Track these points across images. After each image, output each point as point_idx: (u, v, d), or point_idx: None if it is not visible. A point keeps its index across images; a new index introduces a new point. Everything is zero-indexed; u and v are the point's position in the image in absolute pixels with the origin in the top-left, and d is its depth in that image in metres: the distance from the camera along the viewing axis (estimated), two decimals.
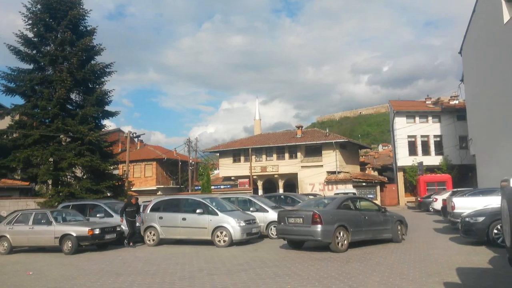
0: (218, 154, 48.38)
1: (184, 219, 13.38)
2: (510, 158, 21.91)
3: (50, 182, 22.06)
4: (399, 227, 12.17)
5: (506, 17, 23.76)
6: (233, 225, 12.58)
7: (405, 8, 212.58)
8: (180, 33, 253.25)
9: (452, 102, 42.44)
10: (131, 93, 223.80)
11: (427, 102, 43.97)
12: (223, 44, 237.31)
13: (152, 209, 14.24)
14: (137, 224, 14.00)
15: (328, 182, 40.05)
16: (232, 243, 12.52)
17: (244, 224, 12.76)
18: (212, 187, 41.41)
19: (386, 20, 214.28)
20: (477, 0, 28.18)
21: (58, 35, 22.32)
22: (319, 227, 10.25)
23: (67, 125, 21.14)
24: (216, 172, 57.82)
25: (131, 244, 13.49)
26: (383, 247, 11.20)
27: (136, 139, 49.44)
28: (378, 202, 36.64)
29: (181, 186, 47.37)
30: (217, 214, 12.97)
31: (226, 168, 45.34)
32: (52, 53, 21.79)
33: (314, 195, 27.05)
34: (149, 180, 46.49)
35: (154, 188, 45.07)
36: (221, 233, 12.68)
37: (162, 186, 45.87)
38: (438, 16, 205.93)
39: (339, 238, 10.45)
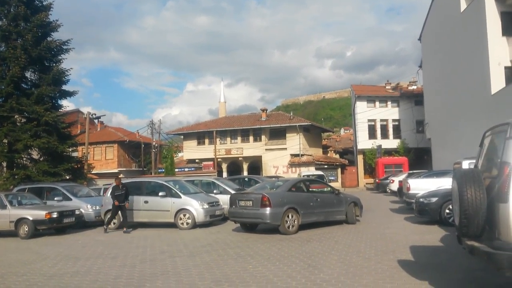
0: (182, 136, 47.89)
1: (146, 202, 13.23)
2: (463, 141, 23.04)
3: (4, 164, 21.07)
4: (353, 209, 12.30)
5: (463, 6, 24.66)
6: (196, 207, 12.58)
7: None
8: (143, 11, 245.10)
9: (410, 88, 43.94)
10: (91, 73, 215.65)
11: (387, 87, 45.30)
12: (188, 24, 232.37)
13: None
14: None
15: (292, 164, 40.71)
16: (195, 225, 12.54)
17: (207, 207, 12.79)
18: (176, 169, 41.15)
19: (350, 5, 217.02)
20: None
21: (11, 10, 21.01)
22: (267, 210, 10.29)
23: (21, 105, 20.15)
24: (180, 154, 57.28)
25: (125, 229, 12.56)
26: (342, 227, 11.59)
27: (96, 121, 47.86)
28: (339, 183, 37.72)
29: (144, 169, 46.61)
30: (180, 197, 12.91)
31: (191, 150, 45.00)
32: (4, 29, 20.53)
33: (277, 177, 27.46)
34: (110, 163, 45.38)
35: (116, 170, 44.02)
36: (184, 215, 12.65)
37: (124, 169, 44.93)
38: (400, 2, 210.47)
39: (288, 221, 10.49)
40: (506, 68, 21.25)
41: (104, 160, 45.48)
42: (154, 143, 42.83)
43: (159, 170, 42.30)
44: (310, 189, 11.97)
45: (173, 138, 53.90)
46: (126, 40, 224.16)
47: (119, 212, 12.88)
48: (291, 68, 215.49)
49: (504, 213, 4.73)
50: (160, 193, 13.04)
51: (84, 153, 30.31)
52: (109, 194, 13.43)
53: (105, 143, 45.64)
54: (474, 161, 11.59)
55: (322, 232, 10.77)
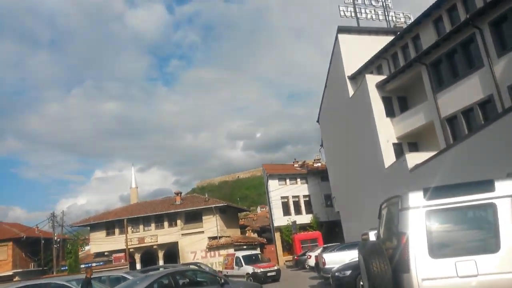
0: (89, 228, 44.18)
1: None
2: (366, 212, 24.71)
3: None
4: None
5: (351, 92, 28.06)
6: None
7: (271, 81, 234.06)
8: (46, 98, 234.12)
9: (315, 165, 47.01)
10: None
11: (295, 165, 47.91)
12: (95, 110, 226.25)
13: None
14: None
15: (210, 248, 39.49)
16: None
17: None
18: (82, 265, 37.26)
19: (255, 91, 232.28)
20: (328, 77, 32.83)
21: None
22: None
23: None
24: (87, 248, 52.32)
25: None
26: None
27: None
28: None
29: (45, 268, 41.38)
30: None
31: (99, 242, 41.45)
32: None
33: (196, 264, 26.29)
34: (4, 264, 39.56)
35: (10, 273, 38.44)
36: None
37: (21, 270, 39.43)
38: (298, 90, 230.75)
39: None
40: (394, 144, 24.00)
41: None
42: (56, 238, 38.81)
43: (62, 268, 37.93)
44: (181, 284, 10.03)
45: (79, 230, 49.48)
46: (25, 127, 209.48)
47: None
48: (205, 150, 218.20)
49: (408, 283, 5.11)
50: None
51: None
52: None
53: None
54: None
55: None
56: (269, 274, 21.24)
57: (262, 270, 21.21)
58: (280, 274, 21.82)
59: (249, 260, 22.43)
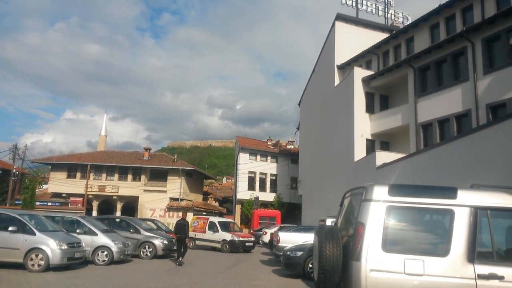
0: (50, 166, 43.25)
1: None
2: (328, 200, 25.22)
3: None
4: None
5: (336, 81, 28.07)
6: (52, 247, 11.17)
7: (261, 56, 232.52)
8: (27, 26, 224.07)
9: (288, 146, 47.44)
10: None
11: (268, 143, 48.14)
12: (77, 49, 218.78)
13: None
14: None
15: (170, 208, 39.56)
16: (49, 267, 11.08)
17: (66, 247, 11.47)
18: (37, 203, 36.61)
19: (243, 63, 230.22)
20: (317, 62, 32.67)
21: None
22: None
23: None
24: (45, 186, 51.36)
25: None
26: (213, 278, 11.41)
27: None
28: None
29: None
30: (34, 234, 11.37)
31: (58, 183, 40.75)
32: None
33: (152, 221, 26.22)
34: None
35: None
36: (37, 256, 11.11)
37: None
38: (286, 69, 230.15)
39: None
40: (367, 140, 24.40)
41: None
42: (14, 171, 37.79)
43: (16, 202, 37.14)
44: None
45: (39, 167, 48.37)
46: (1, 53, 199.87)
47: None
48: (182, 112, 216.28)
49: (356, 271, 5.19)
50: (10, 228, 11.33)
51: None
52: None
53: None
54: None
55: (191, 282, 10.45)
56: (247, 244, 21.38)
57: (241, 239, 21.35)
58: (255, 247, 22.12)
59: (225, 227, 22.44)
